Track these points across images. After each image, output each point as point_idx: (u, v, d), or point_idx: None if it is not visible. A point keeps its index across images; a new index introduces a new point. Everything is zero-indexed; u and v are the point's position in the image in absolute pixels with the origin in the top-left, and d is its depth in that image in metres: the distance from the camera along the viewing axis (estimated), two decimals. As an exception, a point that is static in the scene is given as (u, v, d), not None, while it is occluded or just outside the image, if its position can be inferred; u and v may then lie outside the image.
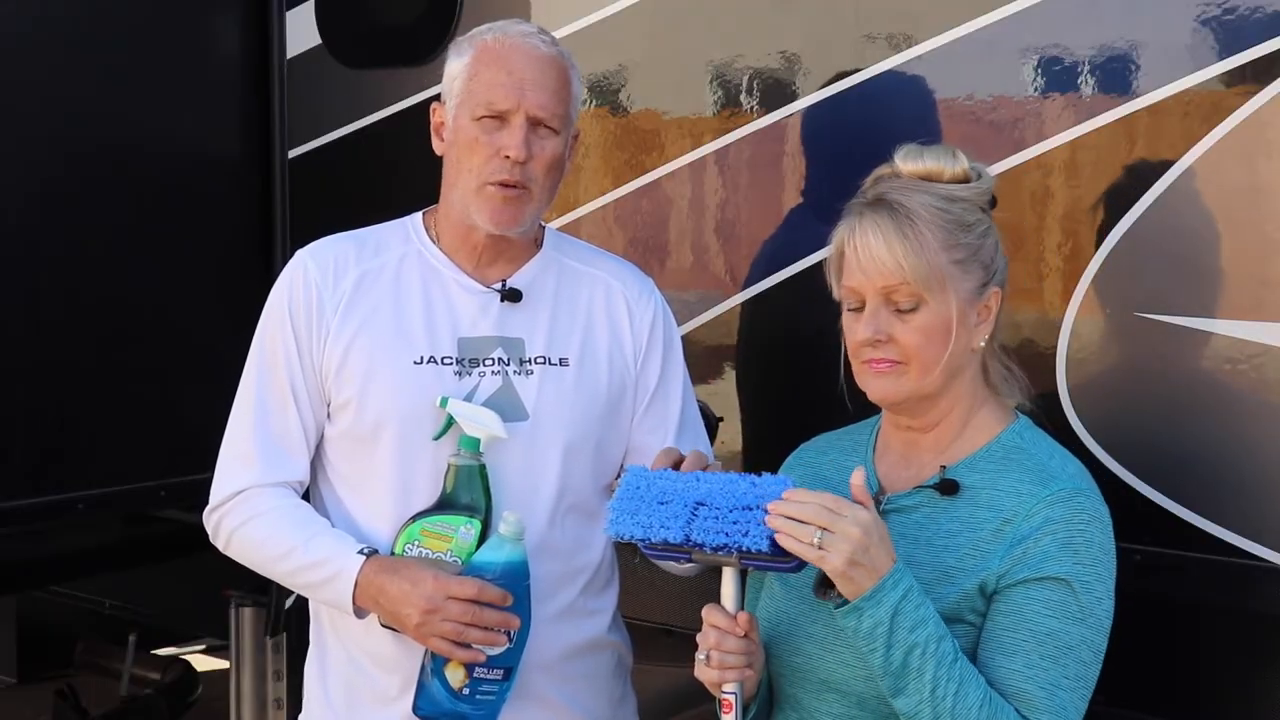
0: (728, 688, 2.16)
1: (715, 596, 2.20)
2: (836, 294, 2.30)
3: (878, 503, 2.28)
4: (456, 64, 2.54)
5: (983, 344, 2.29)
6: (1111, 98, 2.68)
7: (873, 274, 2.21)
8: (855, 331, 2.25)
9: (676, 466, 2.30)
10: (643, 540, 2.17)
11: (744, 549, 2.10)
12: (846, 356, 2.34)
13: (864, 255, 2.22)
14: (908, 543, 2.24)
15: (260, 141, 3.90)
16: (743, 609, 2.20)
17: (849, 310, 2.27)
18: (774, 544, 2.08)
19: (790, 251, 3.06)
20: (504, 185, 2.48)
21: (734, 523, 2.11)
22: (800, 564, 2.12)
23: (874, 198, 2.27)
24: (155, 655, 5.20)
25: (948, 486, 2.25)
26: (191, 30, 3.83)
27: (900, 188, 2.26)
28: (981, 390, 2.32)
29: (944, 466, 2.28)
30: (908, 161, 2.29)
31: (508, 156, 2.46)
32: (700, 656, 2.17)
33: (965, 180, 2.28)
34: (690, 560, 2.16)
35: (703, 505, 2.14)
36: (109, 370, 3.66)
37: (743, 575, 2.21)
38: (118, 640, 4.94)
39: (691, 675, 2.20)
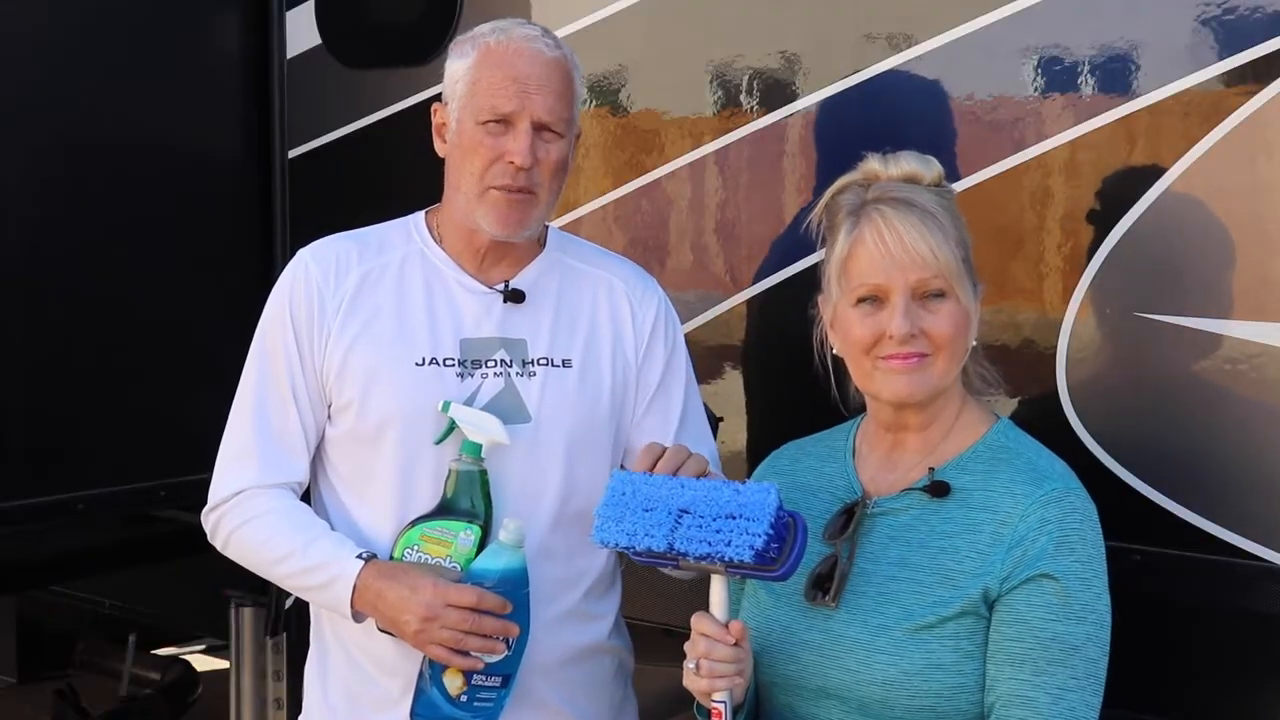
0: (717, 696, 2.15)
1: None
2: (835, 296, 2.30)
3: (863, 507, 2.28)
4: (459, 65, 2.53)
5: (974, 344, 2.30)
6: (1111, 98, 2.68)
7: (907, 267, 2.22)
8: (871, 328, 2.24)
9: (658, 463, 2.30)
10: (628, 548, 2.17)
11: (726, 559, 2.09)
12: (830, 359, 2.34)
13: (896, 249, 2.22)
14: (899, 545, 2.25)
15: (260, 141, 3.91)
16: (734, 617, 2.20)
17: (856, 308, 2.26)
18: (758, 553, 2.07)
19: (790, 251, 3.06)
20: (509, 190, 2.47)
21: (716, 532, 2.11)
22: (787, 572, 2.12)
23: (877, 197, 2.26)
24: (155, 655, 5.20)
25: (938, 488, 2.25)
26: (191, 30, 3.83)
27: (899, 188, 2.27)
28: (963, 391, 2.33)
29: (932, 468, 2.28)
30: (889, 166, 2.31)
31: (512, 162, 2.46)
32: (689, 665, 2.16)
33: (940, 184, 2.30)
34: (678, 567, 2.16)
35: (686, 513, 2.14)
36: (109, 370, 3.66)
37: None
38: (118, 640, 4.95)
39: (691, 676, 2.20)
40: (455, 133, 2.52)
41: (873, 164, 2.33)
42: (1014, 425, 2.34)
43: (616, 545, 2.19)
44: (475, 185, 2.49)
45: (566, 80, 2.51)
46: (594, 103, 3.32)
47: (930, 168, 2.32)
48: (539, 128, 2.47)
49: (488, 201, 2.49)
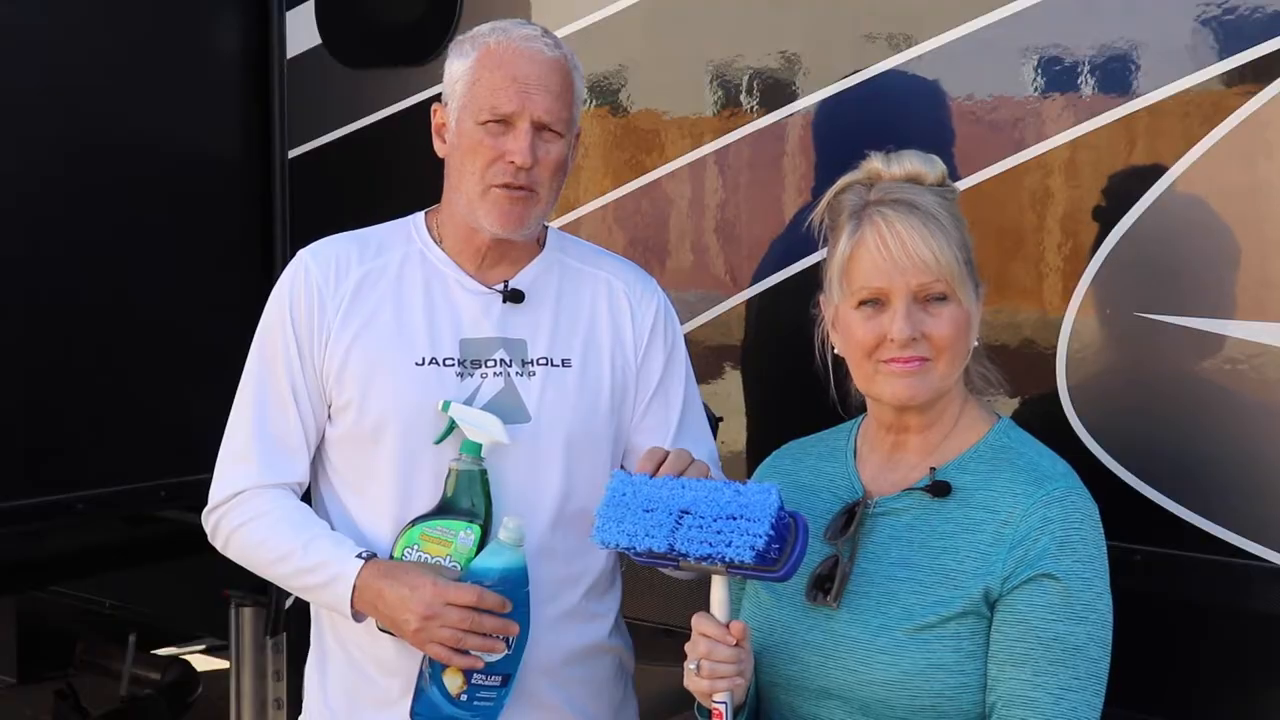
0: (718, 697, 2.14)
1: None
2: (836, 297, 2.29)
3: (864, 507, 2.28)
4: (459, 65, 2.53)
5: (975, 344, 2.30)
6: (1111, 98, 2.68)
7: (908, 270, 2.21)
8: (872, 331, 2.24)
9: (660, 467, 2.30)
10: (628, 548, 2.17)
11: (727, 559, 2.09)
12: (831, 359, 2.34)
13: (898, 252, 2.21)
14: (900, 545, 2.24)
15: (260, 141, 3.91)
16: (734, 617, 2.20)
17: (858, 311, 2.26)
18: (758, 554, 2.07)
19: (790, 251, 3.06)
20: (509, 188, 2.47)
21: (717, 533, 2.10)
22: (788, 572, 2.11)
23: (879, 199, 2.26)
24: (155, 655, 5.20)
25: (939, 488, 2.25)
26: (191, 30, 3.84)
27: (901, 188, 2.26)
28: (965, 390, 2.33)
29: (933, 468, 2.27)
30: (892, 165, 2.30)
31: (513, 162, 2.46)
32: (690, 665, 2.16)
33: (943, 183, 2.29)
34: (678, 568, 2.16)
35: (687, 514, 2.14)
36: (108, 370, 3.67)
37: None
38: (118, 640, 4.95)
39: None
40: (455, 133, 2.52)
41: (875, 163, 2.32)
42: (1015, 425, 2.33)
43: (617, 546, 2.19)
44: (476, 185, 2.49)
45: (566, 80, 2.51)
46: (594, 103, 3.32)
47: (933, 167, 2.30)
48: (539, 127, 2.47)
49: (488, 200, 2.49)
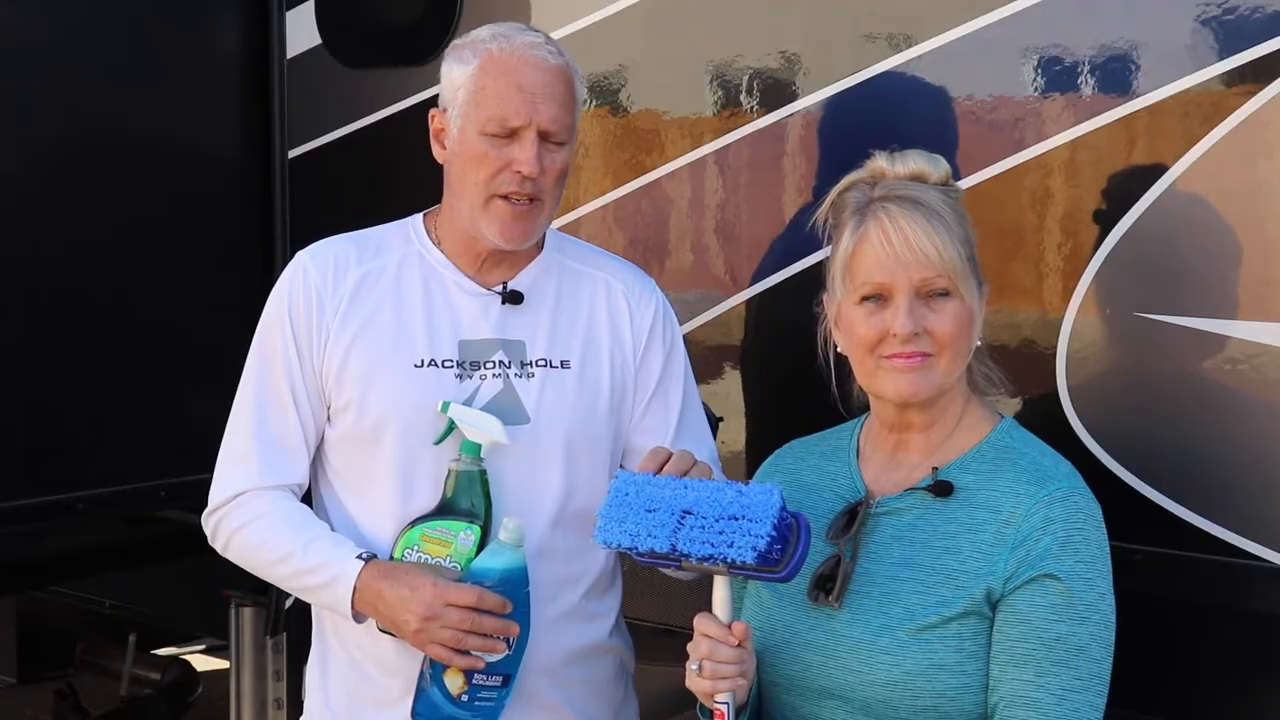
0: (720, 697, 2.14)
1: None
2: (839, 294, 2.29)
3: (866, 506, 2.28)
4: (460, 72, 2.51)
5: (978, 343, 2.30)
6: (1111, 98, 2.68)
7: (911, 265, 2.21)
8: (875, 327, 2.24)
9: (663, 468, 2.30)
10: (630, 549, 2.17)
11: (729, 560, 2.09)
12: (834, 358, 2.34)
13: (901, 247, 2.21)
14: (903, 544, 2.24)
15: (260, 141, 3.91)
16: (736, 617, 2.20)
17: (860, 307, 2.25)
18: (760, 554, 2.07)
19: (790, 251, 3.06)
20: (514, 198, 2.47)
21: (720, 533, 2.10)
22: (790, 573, 2.11)
23: (883, 195, 2.26)
24: (155, 655, 5.20)
25: (941, 488, 2.25)
26: (191, 30, 3.84)
27: (905, 186, 2.26)
28: (967, 390, 2.33)
29: (935, 468, 2.27)
30: (896, 164, 2.30)
31: (519, 172, 2.45)
32: (692, 666, 2.16)
33: (946, 183, 2.30)
34: (680, 568, 2.16)
35: (689, 514, 2.13)
36: (108, 370, 3.67)
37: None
38: (118, 640, 4.95)
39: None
40: (456, 140, 2.51)
41: (879, 162, 2.32)
42: (1018, 425, 2.33)
43: (619, 546, 2.18)
44: (479, 194, 2.48)
45: (569, 88, 2.51)
46: (594, 103, 3.32)
47: (937, 166, 2.30)
48: (544, 137, 2.46)
49: (491, 211, 2.48)
